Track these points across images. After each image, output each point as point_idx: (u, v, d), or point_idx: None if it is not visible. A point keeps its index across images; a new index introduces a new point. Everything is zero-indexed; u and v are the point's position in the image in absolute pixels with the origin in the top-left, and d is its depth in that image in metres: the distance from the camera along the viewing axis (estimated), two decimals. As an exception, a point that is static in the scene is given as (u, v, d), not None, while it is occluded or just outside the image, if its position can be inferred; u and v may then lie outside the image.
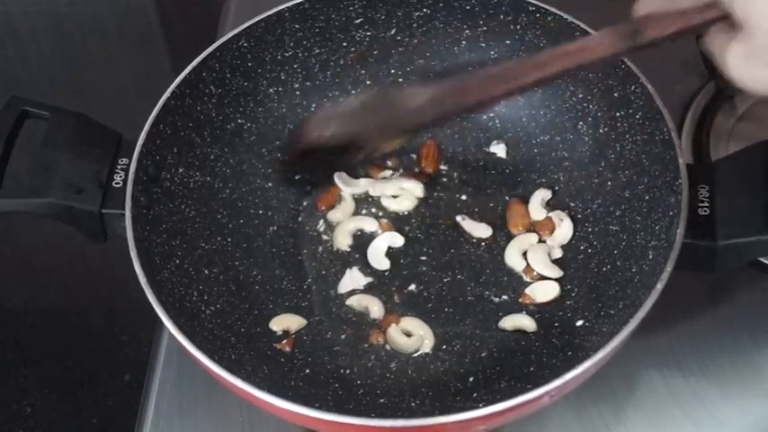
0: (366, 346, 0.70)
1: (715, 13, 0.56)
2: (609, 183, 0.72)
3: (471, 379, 0.67)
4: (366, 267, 0.74)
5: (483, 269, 0.73)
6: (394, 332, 0.70)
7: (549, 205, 0.75)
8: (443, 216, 0.76)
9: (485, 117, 0.80)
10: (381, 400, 0.66)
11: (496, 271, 0.73)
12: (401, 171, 0.79)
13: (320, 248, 0.75)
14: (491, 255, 0.74)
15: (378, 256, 0.74)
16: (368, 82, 0.80)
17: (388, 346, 0.70)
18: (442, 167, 0.79)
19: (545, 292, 0.71)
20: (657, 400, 0.68)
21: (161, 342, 0.74)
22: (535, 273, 0.72)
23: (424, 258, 0.74)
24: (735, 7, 0.54)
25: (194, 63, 0.73)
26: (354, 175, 0.78)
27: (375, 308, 0.71)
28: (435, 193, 0.77)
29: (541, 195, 0.75)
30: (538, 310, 0.71)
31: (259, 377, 0.64)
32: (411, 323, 0.70)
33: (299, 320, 0.71)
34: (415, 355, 0.69)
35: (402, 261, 0.74)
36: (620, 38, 0.58)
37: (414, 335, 0.70)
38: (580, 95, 0.75)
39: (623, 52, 0.59)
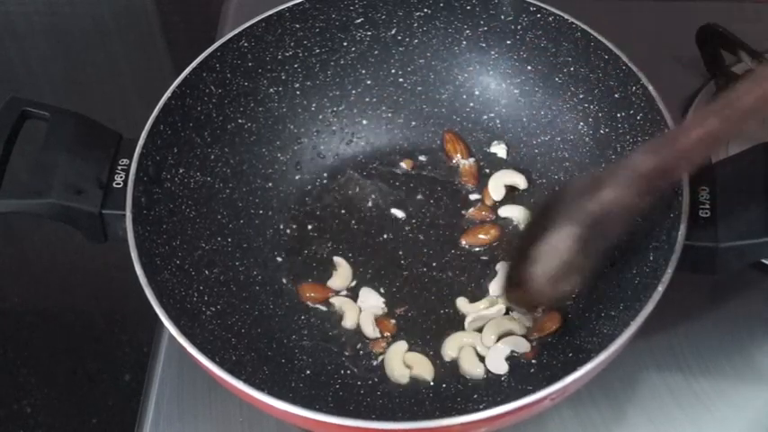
0: (368, 348, 0.70)
1: None
2: (610, 184, 0.72)
3: (472, 381, 0.67)
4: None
5: (483, 270, 0.73)
6: (395, 363, 0.69)
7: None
8: (444, 216, 0.76)
9: (485, 117, 0.79)
10: (382, 402, 0.66)
11: (497, 271, 0.73)
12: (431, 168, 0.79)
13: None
14: (491, 255, 0.74)
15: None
16: (368, 82, 0.80)
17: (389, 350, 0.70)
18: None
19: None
20: (657, 400, 0.68)
21: (161, 342, 0.74)
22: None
23: (424, 259, 0.74)
24: None
25: (194, 63, 0.73)
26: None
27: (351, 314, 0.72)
28: (436, 194, 0.78)
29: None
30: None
31: (259, 378, 0.64)
32: (413, 357, 0.69)
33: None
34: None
35: (403, 262, 0.74)
36: None
37: (414, 367, 0.69)
38: (581, 96, 0.75)
39: None
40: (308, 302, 0.72)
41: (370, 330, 0.70)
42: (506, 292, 0.68)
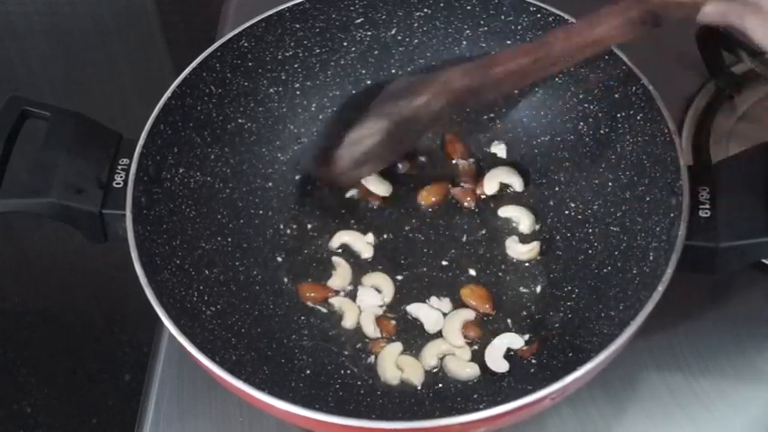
0: (368, 348, 0.70)
1: None
2: (609, 184, 0.72)
3: (472, 380, 0.68)
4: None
5: (484, 269, 0.73)
6: (387, 364, 0.69)
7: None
8: (444, 215, 0.76)
9: (485, 117, 0.80)
10: (382, 402, 0.66)
11: (497, 269, 0.73)
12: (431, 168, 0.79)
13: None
14: (489, 251, 0.74)
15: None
16: (368, 82, 0.80)
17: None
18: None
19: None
20: (657, 399, 0.68)
21: (161, 342, 0.74)
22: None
23: (423, 259, 0.74)
24: None
25: (195, 63, 0.73)
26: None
27: (350, 313, 0.72)
28: (436, 194, 0.78)
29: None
30: (538, 311, 0.71)
31: (259, 378, 0.64)
32: (406, 361, 0.69)
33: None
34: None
35: (402, 262, 0.74)
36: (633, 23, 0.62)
37: (405, 370, 0.68)
38: (581, 96, 0.75)
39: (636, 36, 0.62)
40: (308, 302, 0.72)
41: (371, 330, 0.70)
42: (317, 169, 0.76)
